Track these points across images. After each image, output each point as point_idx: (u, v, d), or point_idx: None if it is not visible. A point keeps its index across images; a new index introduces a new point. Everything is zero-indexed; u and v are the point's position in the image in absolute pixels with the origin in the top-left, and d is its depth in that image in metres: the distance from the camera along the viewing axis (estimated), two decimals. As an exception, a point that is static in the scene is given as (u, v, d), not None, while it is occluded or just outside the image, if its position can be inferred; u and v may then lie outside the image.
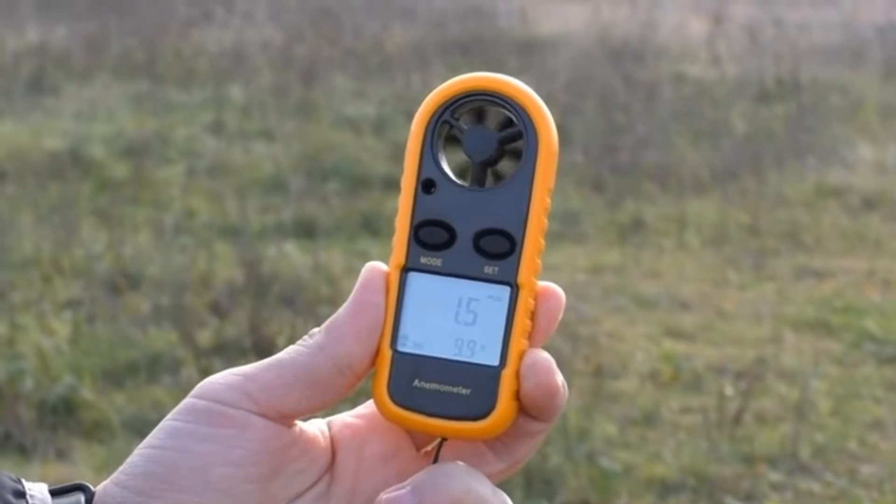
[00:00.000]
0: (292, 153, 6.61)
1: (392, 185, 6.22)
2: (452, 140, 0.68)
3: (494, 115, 0.68)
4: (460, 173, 0.68)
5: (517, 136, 0.67)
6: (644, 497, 3.45)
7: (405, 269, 0.67)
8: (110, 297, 4.68)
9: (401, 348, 0.67)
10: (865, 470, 3.61)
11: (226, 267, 4.94)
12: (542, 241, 0.67)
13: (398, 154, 6.74)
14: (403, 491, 0.67)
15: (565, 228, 5.57)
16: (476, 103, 0.68)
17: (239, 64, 8.67)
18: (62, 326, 4.41)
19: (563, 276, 4.93)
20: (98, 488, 0.68)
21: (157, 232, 5.41)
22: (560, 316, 0.69)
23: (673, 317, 4.67)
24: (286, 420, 0.68)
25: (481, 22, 10.43)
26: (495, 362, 0.67)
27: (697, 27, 10.37)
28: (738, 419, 3.82)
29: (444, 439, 0.68)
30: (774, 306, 4.78)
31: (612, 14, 10.84)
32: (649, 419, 3.85)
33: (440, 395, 0.67)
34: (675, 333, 4.52)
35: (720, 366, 4.24)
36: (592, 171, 6.35)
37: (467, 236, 0.67)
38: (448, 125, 0.68)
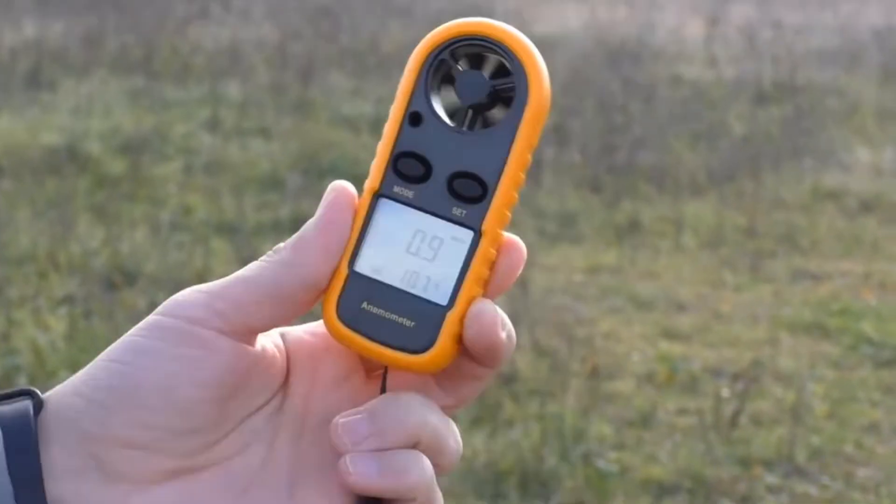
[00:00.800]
0: (289, 151, 6.60)
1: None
2: (447, 79, 0.68)
3: (492, 63, 0.68)
4: (450, 114, 0.68)
5: (510, 87, 0.67)
6: (640, 498, 3.44)
7: (377, 195, 0.68)
8: (106, 293, 4.67)
9: (357, 269, 0.68)
10: (862, 473, 3.61)
11: (222, 264, 4.93)
12: (516, 196, 0.68)
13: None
14: (359, 417, 0.67)
15: (562, 229, 5.57)
16: (476, 48, 0.68)
17: (236, 61, 8.66)
18: (58, 322, 4.40)
19: (560, 277, 4.93)
20: (49, 395, 0.68)
21: (154, 228, 5.41)
22: (520, 271, 0.69)
23: (669, 318, 4.67)
24: (250, 337, 0.68)
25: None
26: (444, 302, 0.67)
27: (695, 29, 10.37)
28: (734, 421, 3.82)
29: (387, 368, 0.69)
30: (771, 308, 4.78)
31: (610, 15, 10.84)
32: (645, 420, 3.85)
33: (385, 322, 0.68)
34: (671, 335, 4.51)
35: (716, 367, 4.24)
36: (590, 172, 6.35)
37: (443, 175, 0.67)
38: (445, 64, 0.68)
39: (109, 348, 0.68)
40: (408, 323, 0.68)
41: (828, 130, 7.38)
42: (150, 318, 0.67)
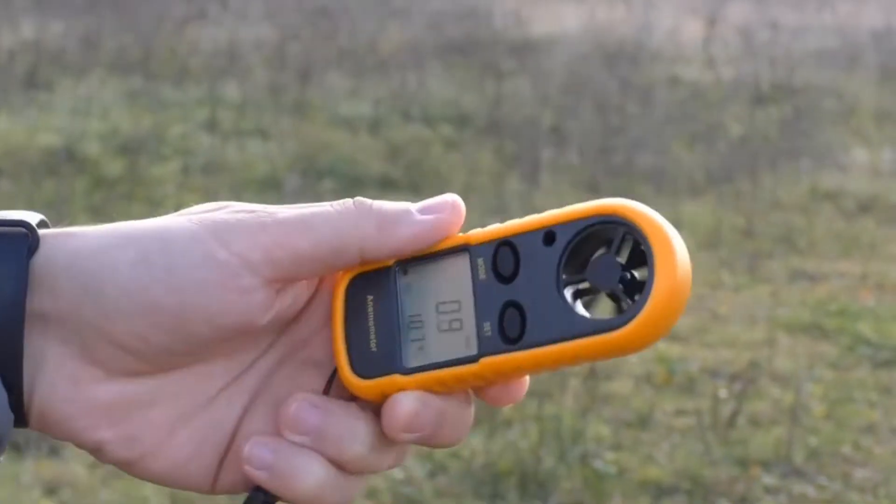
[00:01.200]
0: (287, 152, 6.60)
1: (387, 184, 6.21)
2: (597, 243, 0.65)
3: (637, 273, 0.64)
4: (572, 272, 0.65)
5: (626, 307, 0.64)
6: (638, 499, 3.44)
7: (466, 249, 0.67)
8: (104, 294, 4.67)
9: (400, 270, 0.68)
10: (859, 474, 3.61)
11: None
12: (539, 373, 0.66)
13: (393, 154, 6.73)
14: (315, 410, 0.66)
15: (560, 230, 5.56)
16: (641, 251, 0.64)
17: (234, 62, 8.66)
18: (56, 323, 4.39)
19: (558, 278, 4.92)
20: (63, 246, 0.65)
21: (152, 229, 5.40)
22: (504, 407, 0.68)
23: (667, 319, 4.66)
24: (289, 285, 0.67)
25: (477, 22, 10.42)
26: (406, 364, 0.67)
27: (692, 30, 10.37)
28: (732, 422, 3.82)
29: (335, 372, 0.68)
30: (769, 309, 4.78)
31: (608, 16, 10.84)
32: (643, 421, 3.85)
33: (365, 324, 0.68)
34: (669, 335, 4.51)
35: (714, 368, 4.24)
36: (587, 173, 6.34)
37: (511, 295, 0.65)
38: (607, 234, 0.65)
39: (148, 236, 0.65)
40: (373, 344, 0.67)
41: (825, 131, 7.39)
42: (206, 243, 0.65)
